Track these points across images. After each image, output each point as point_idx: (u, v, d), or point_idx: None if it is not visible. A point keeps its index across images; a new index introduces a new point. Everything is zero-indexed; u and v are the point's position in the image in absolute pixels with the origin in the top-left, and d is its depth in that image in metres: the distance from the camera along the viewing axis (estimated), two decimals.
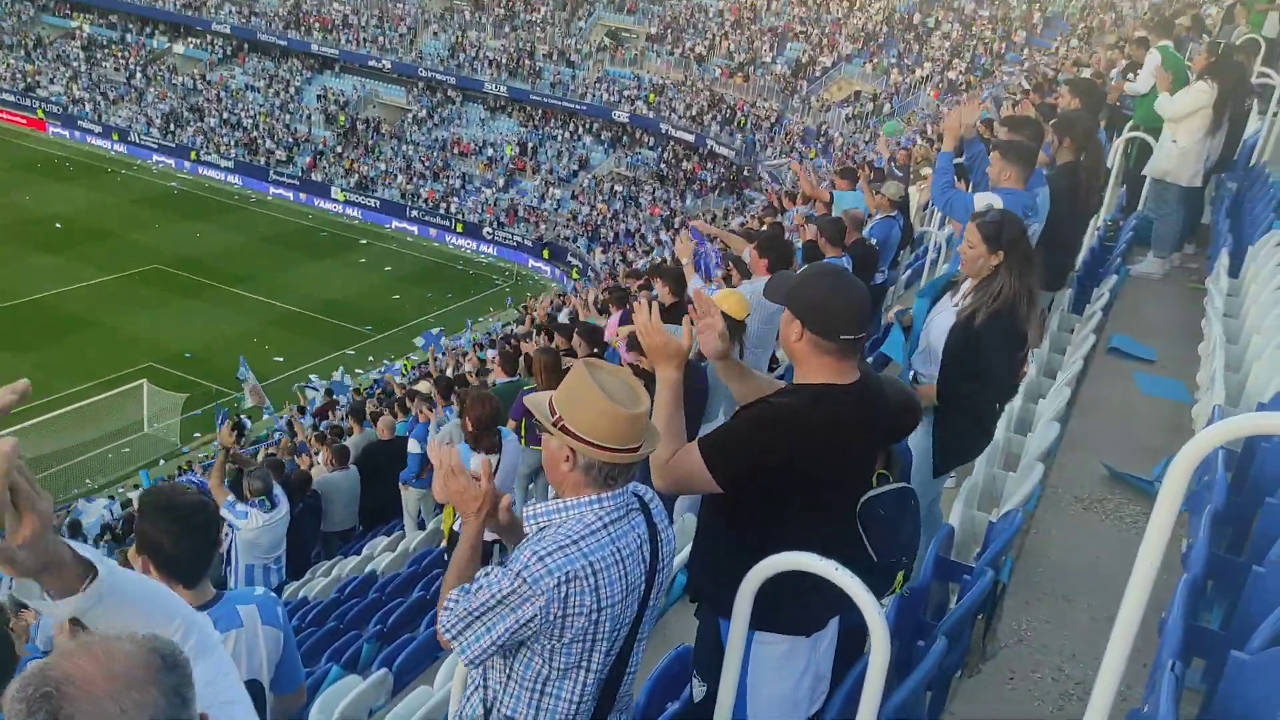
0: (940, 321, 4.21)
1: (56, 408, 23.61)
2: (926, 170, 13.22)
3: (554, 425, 2.38)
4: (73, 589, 1.53)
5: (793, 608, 2.70)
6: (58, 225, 36.30)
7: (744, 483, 2.69)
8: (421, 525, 9.99)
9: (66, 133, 47.50)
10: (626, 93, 44.61)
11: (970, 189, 5.96)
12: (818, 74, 43.12)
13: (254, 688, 2.83)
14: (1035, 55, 36.12)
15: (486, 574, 2.36)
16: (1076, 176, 6.13)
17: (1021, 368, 4.47)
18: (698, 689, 2.97)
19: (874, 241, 8.46)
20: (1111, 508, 4.86)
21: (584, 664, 2.41)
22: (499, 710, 2.48)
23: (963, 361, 4.06)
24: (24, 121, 47.98)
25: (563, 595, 2.30)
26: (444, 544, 7.95)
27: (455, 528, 6.84)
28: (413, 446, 9.75)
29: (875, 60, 42.38)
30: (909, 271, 10.88)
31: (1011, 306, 3.99)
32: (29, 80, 49.74)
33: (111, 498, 20.37)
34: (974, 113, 6.19)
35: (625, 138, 45.31)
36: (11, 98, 48.77)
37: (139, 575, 1.71)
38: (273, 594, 3.05)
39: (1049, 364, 6.37)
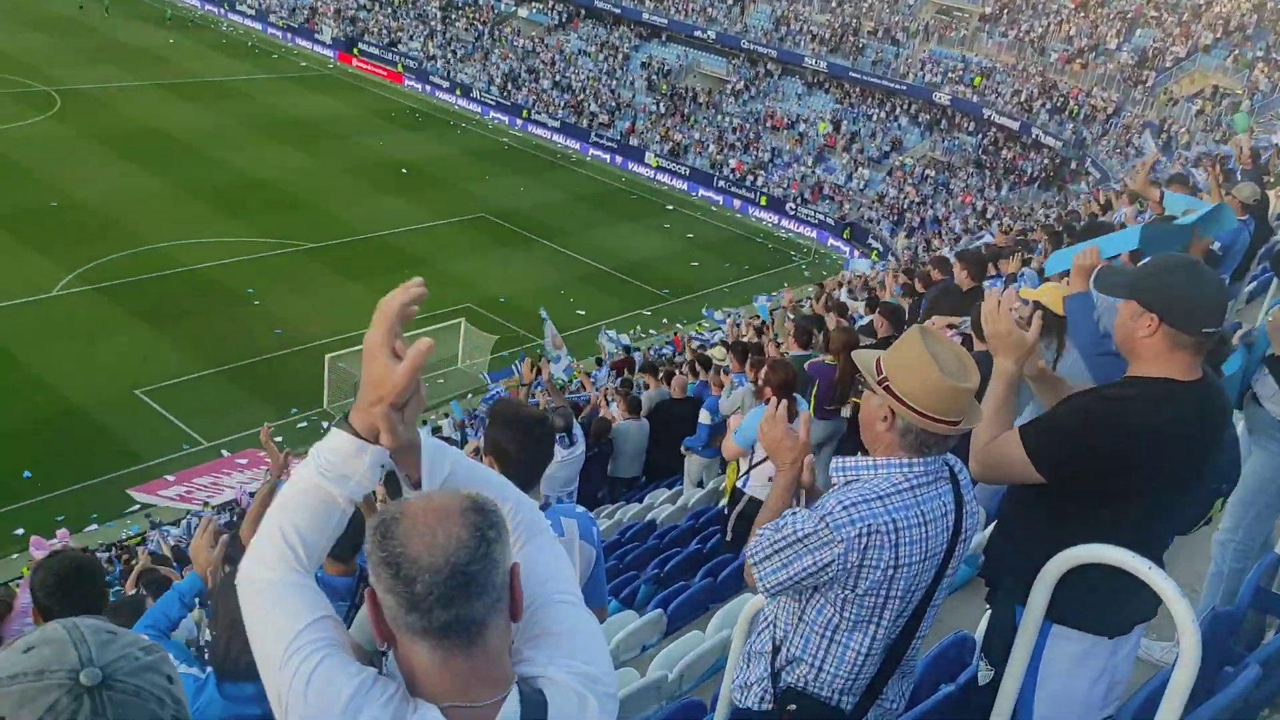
0: None
1: None
2: None
3: (878, 383, 2.45)
4: (413, 476, 1.78)
5: (1097, 605, 2.62)
6: (404, 171, 39.90)
7: (1066, 474, 2.63)
8: (700, 485, 10.29)
9: (419, 86, 51.94)
10: (951, 74, 42.98)
11: None
12: (1167, 64, 39.60)
13: None
14: None
15: (794, 513, 2.48)
16: None
17: None
18: (984, 673, 2.95)
19: (1217, 246, 7.78)
20: None
21: (875, 619, 2.48)
22: (787, 649, 2.60)
23: None
24: (384, 74, 52.98)
25: (862, 546, 2.37)
26: (724, 502, 8.18)
27: (738, 484, 7.04)
28: (703, 417, 9.98)
29: (1237, 53, 38.33)
30: (1254, 283, 9.90)
31: None
32: (392, 36, 54.77)
33: (424, 423, 22.31)
34: None
35: (944, 121, 43.73)
36: (376, 51, 53.95)
37: (478, 464, 1.93)
38: (590, 514, 3.30)
39: None
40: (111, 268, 28.20)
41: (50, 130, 37.88)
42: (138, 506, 18.86)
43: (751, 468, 6.79)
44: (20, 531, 18.62)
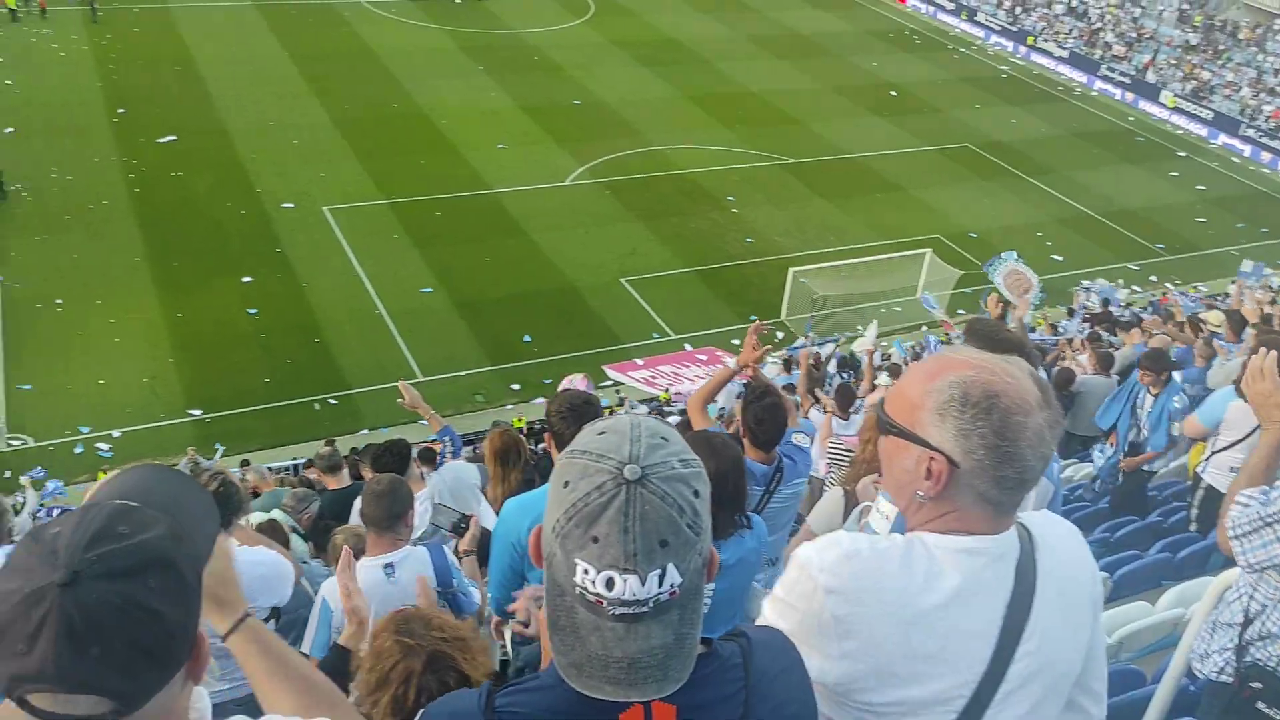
0: None
1: (849, 256, 26.44)
2: None
3: None
4: None
5: None
6: (893, 93, 39.42)
7: None
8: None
9: (922, 6, 50.61)
10: None
11: None
12: None
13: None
14: None
15: None
16: None
17: None
18: None
19: None
20: None
21: None
22: (1261, 624, 2.46)
23: None
24: None
25: None
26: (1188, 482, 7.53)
27: (1198, 469, 6.47)
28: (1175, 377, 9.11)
29: None
30: None
31: None
32: None
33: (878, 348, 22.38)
34: None
35: None
36: None
37: None
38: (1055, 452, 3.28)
39: None
40: (617, 165, 31.04)
41: (583, 34, 42.02)
42: (610, 382, 21.01)
43: (1214, 453, 6.23)
44: (517, 387, 21.58)
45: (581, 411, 3.91)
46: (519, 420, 19.33)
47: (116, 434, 19.05)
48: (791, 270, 25.01)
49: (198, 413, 19.85)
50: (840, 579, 1.66)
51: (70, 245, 24.20)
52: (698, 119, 34.97)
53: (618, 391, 20.60)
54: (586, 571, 1.31)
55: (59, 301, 22.26)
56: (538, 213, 27.92)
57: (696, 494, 1.37)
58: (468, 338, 22.90)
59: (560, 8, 44.75)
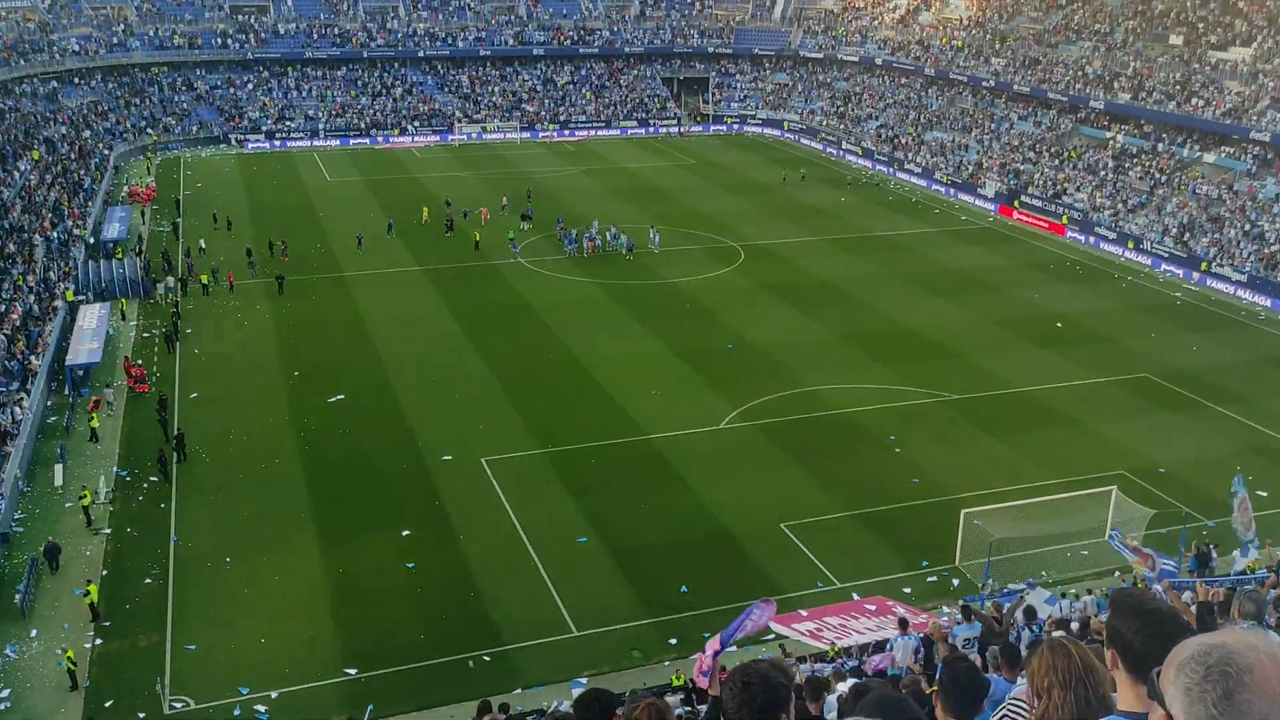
0: None
1: (1026, 496, 24.73)
2: None
3: None
4: None
5: None
6: (1058, 325, 38.21)
7: None
8: None
9: (1082, 238, 49.92)
10: None
11: None
12: None
13: None
14: None
15: None
16: None
17: None
18: None
19: None
20: None
21: None
22: None
23: None
24: (1045, 225, 51.91)
25: None
26: None
27: None
28: None
29: None
30: None
31: None
32: (1058, 187, 53.62)
33: (1063, 595, 20.39)
34: None
35: None
36: (1039, 203, 53.15)
37: None
38: None
39: None
40: (770, 406, 30.64)
41: (733, 280, 42.96)
42: (772, 636, 19.68)
43: None
44: (674, 641, 20.49)
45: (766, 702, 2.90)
46: (677, 678, 18.19)
47: (274, 694, 18.89)
48: (964, 512, 23.50)
49: (353, 672, 19.56)
50: None
51: (242, 503, 25.15)
52: (852, 358, 34.56)
53: (781, 645, 19.25)
54: None
55: (228, 560, 22.86)
56: (693, 458, 27.55)
57: None
58: (624, 588, 22.18)
59: (711, 258, 46.11)
